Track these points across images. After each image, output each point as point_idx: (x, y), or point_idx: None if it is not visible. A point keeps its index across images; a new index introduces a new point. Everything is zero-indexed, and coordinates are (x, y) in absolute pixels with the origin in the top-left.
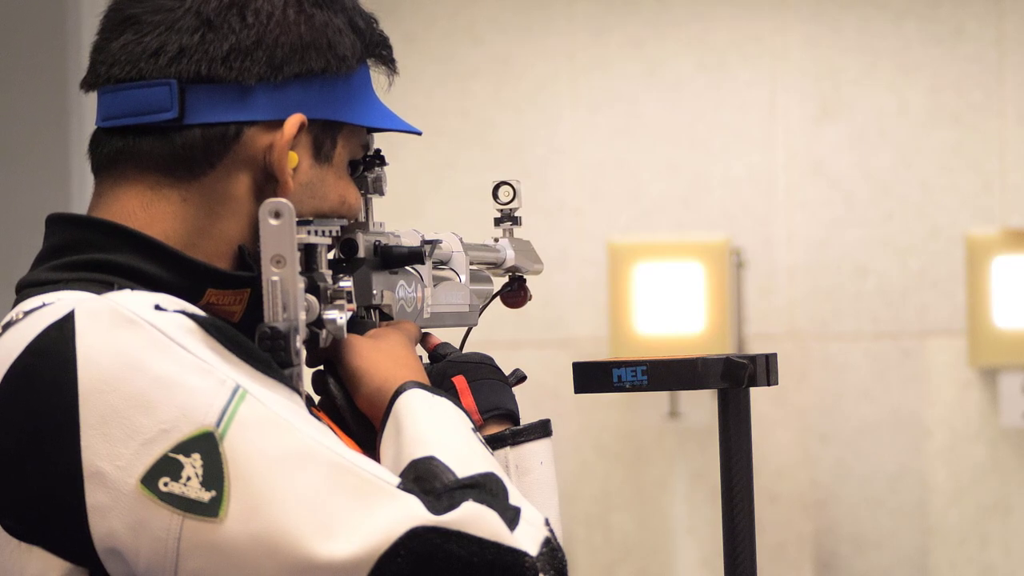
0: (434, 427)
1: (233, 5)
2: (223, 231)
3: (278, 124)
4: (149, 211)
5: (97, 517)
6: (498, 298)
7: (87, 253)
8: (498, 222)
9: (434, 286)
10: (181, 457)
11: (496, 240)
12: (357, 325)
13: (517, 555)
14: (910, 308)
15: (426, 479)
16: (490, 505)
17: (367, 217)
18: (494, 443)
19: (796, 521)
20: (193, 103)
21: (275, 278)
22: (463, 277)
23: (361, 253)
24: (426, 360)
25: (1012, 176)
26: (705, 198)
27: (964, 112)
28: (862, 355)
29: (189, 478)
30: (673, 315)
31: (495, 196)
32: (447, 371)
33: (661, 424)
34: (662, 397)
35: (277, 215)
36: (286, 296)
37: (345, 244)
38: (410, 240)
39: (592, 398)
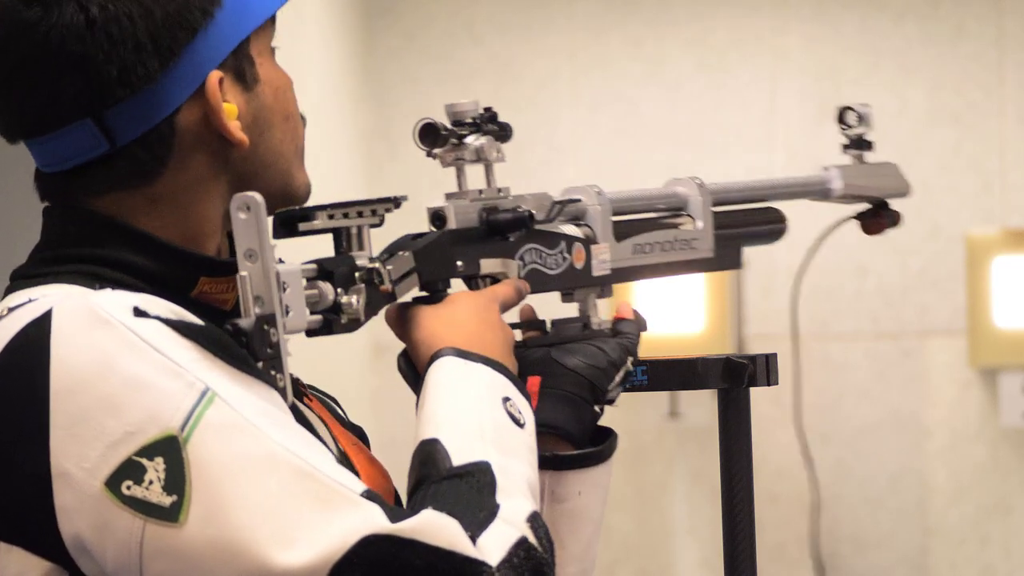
0: (449, 403)
1: (91, 27)
2: (201, 214)
3: (200, 90)
4: (122, 219)
5: (64, 518)
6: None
7: (78, 246)
8: (846, 148)
9: (634, 236)
10: (144, 460)
11: (827, 168)
12: (437, 300)
13: (474, 565)
14: (910, 308)
15: (427, 464)
16: (453, 509)
17: (487, 183)
18: (540, 463)
19: (796, 521)
20: (116, 127)
21: (244, 273)
22: (700, 223)
23: (453, 223)
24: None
25: (1012, 176)
26: None
27: (964, 112)
28: (862, 355)
29: (151, 482)
30: (673, 315)
31: (841, 120)
32: (529, 369)
33: (661, 424)
34: (662, 397)
35: (247, 209)
36: (258, 289)
37: (434, 215)
38: (535, 203)
39: None
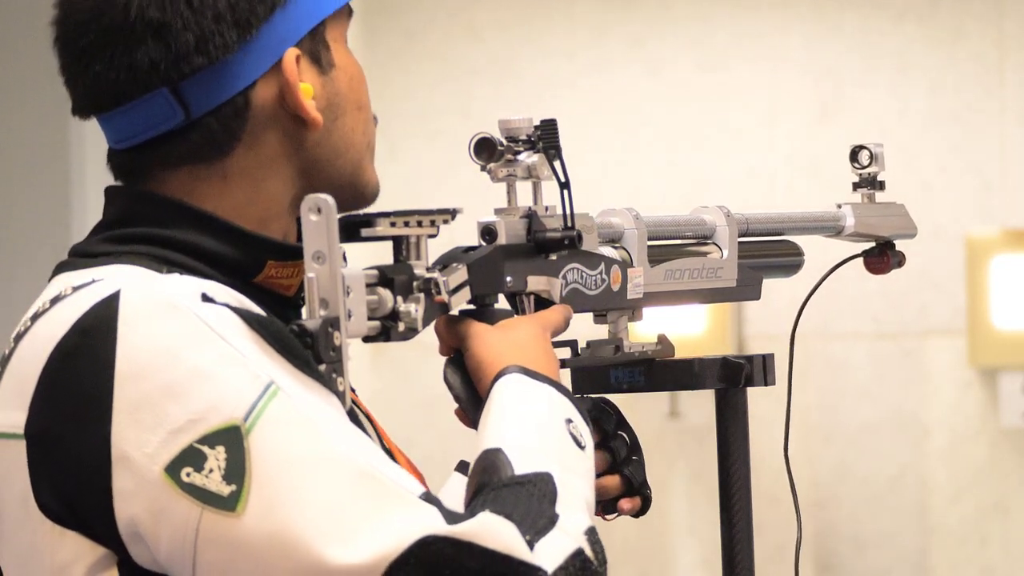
0: (514, 417)
1: None
2: (270, 194)
3: (277, 67)
4: (193, 197)
5: (121, 502)
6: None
7: (144, 227)
8: (856, 186)
9: (668, 262)
10: (206, 448)
11: (839, 206)
12: (485, 313)
13: (529, 569)
14: (910, 308)
15: (489, 471)
16: (512, 514)
17: (535, 201)
18: None
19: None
20: (192, 97)
21: (311, 275)
22: (726, 252)
23: (503, 239)
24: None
25: (1012, 176)
26: (705, 198)
27: (964, 112)
28: (862, 355)
29: (211, 470)
30: (673, 315)
31: (854, 159)
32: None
33: (661, 424)
34: (662, 397)
35: (317, 211)
36: (324, 292)
37: (485, 230)
38: (579, 223)
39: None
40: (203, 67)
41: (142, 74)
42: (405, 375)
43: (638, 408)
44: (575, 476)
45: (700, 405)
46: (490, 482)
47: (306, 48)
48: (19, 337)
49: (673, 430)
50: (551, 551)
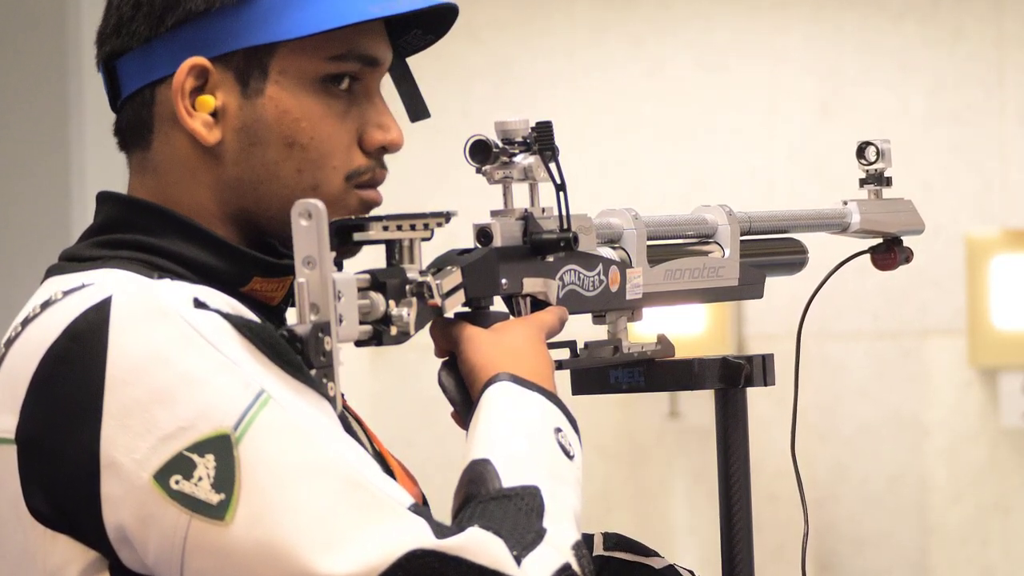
0: (503, 427)
1: None
2: (198, 199)
3: None
4: (145, 187)
5: (109, 507)
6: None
7: (133, 234)
8: (863, 183)
9: (668, 261)
10: (195, 456)
11: (845, 203)
12: (480, 316)
13: None
14: (910, 308)
15: (476, 482)
16: (500, 529)
17: (532, 202)
18: None
19: (795, 521)
20: (122, 78)
21: (302, 280)
22: (728, 251)
23: (498, 241)
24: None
25: (1012, 176)
26: (705, 198)
27: (964, 112)
28: (862, 355)
29: (200, 478)
30: (673, 315)
31: (861, 155)
32: None
33: (661, 424)
34: (662, 397)
35: (308, 216)
36: (315, 297)
37: (480, 232)
38: (576, 224)
39: (591, 398)
40: (124, 50)
41: (97, 46)
42: (404, 377)
43: (638, 408)
44: (563, 486)
45: (700, 405)
46: (477, 494)
47: (234, 65)
48: (10, 342)
49: (673, 430)
50: (538, 566)
